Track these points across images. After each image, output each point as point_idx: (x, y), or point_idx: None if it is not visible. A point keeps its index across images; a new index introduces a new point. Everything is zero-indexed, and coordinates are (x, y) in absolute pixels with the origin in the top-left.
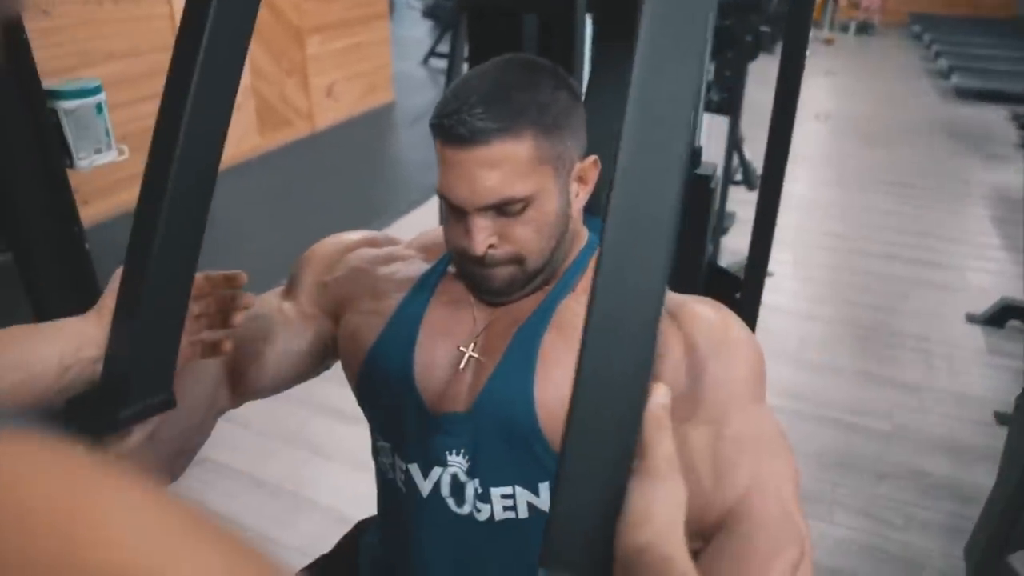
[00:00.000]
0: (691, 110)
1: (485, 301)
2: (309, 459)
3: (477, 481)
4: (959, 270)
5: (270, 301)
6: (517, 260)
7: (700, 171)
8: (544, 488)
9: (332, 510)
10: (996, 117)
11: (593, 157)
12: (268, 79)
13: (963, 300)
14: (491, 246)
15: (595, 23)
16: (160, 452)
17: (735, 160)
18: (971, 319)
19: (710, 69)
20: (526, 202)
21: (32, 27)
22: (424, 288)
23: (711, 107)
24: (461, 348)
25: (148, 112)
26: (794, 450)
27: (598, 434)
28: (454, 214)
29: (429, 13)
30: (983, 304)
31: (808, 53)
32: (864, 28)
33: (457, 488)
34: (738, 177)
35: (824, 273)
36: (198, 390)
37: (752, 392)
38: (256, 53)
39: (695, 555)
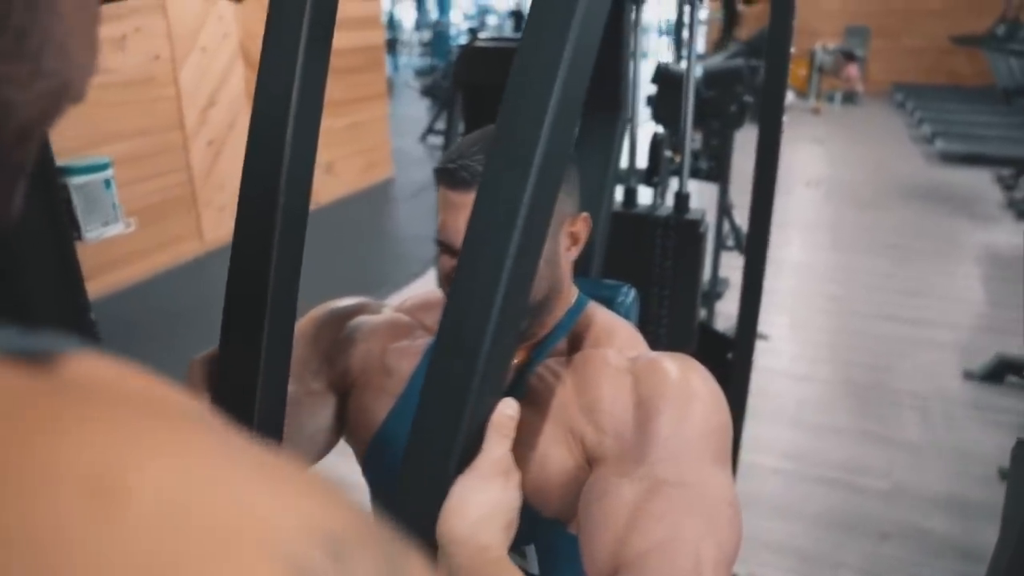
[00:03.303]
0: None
1: None
2: None
3: None
4: (954, 328)
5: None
6: None
7: (689, 215)
8: (530, 551)
9: None
10: (981, 179)
11: (584, 214)
12: None
13: (960, 357)
14: None
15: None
16: None
17: (726, 226)
18: (968, 375)
19: (697, 138)
20: None
21: None
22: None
23: (700, 175)
24: None
25: (155, 188)
26: (796, 511)
27: (431, 435)
28: (448, 256)
29: (427, 92)
30: (979, 361)
31: (797, 122)
32: (849, 98)
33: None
34: (730, 243)
35: (821, 335)
36: None
37: (704, 449)
38: None
39: None
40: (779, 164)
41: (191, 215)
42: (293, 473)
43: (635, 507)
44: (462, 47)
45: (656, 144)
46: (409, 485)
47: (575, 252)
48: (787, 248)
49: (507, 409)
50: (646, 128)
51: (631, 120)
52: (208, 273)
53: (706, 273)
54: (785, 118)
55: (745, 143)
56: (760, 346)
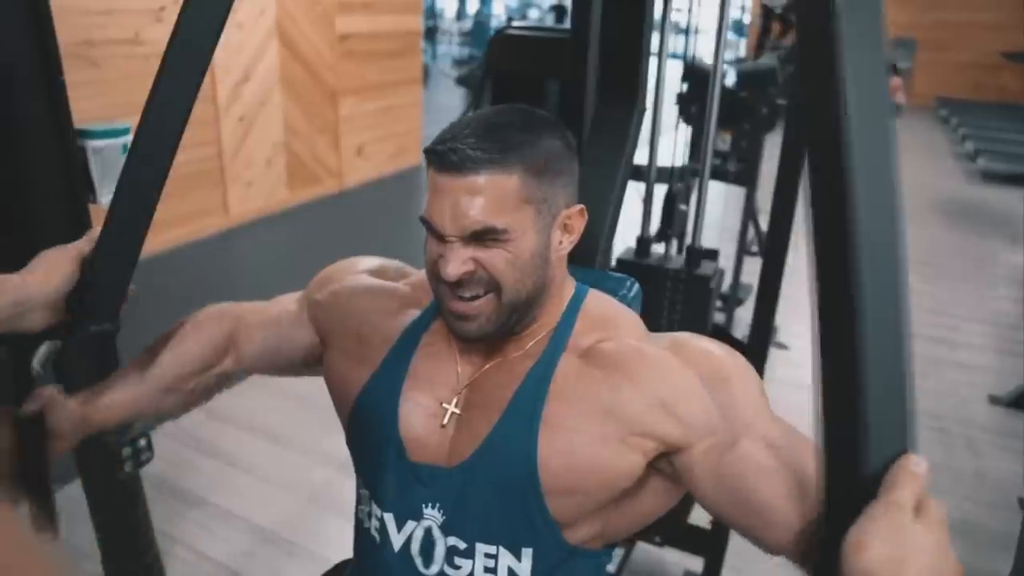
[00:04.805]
0: None
1: (468, 351)
2: (306, 508)
3: (455, 538)
4: (982, 351)
5: (287, 297)
6: (493, 287)
7: (699, 271)
8: (527, 554)
9: (325, 560)
10: (1021, 200)
11: (580, 206)
12: (300, 136)
13: (986, 381)
14: (468, 272)
15: (597, 89)
16: (153, 383)
17: (751, 231)
18: (994, 401)
19: (727, 140)
20: (504, 235)
21: (82, 78)
22: (410, 338)
23: (728, 178)
24: (444, 404)
25: (183, 160)
26: None
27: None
28: (434, 240)
29: (462, 81)
30: (1007, 386)
31: None
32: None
33: (427, 546)
34: (754, 248)
35: None
36: (196, 347)
37: (763, 395)
38: (291, 111)
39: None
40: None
41: (218, 189)
42: None
43: (773, 458)
44: (494, 34)
45: (671, 198)
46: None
47: (568, 245)
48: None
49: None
50: (665, 137)
51: (655, 124)
52: (232, 247)
53: (726, 281)
54: None
55: (776, 148)
56: (780, 356)
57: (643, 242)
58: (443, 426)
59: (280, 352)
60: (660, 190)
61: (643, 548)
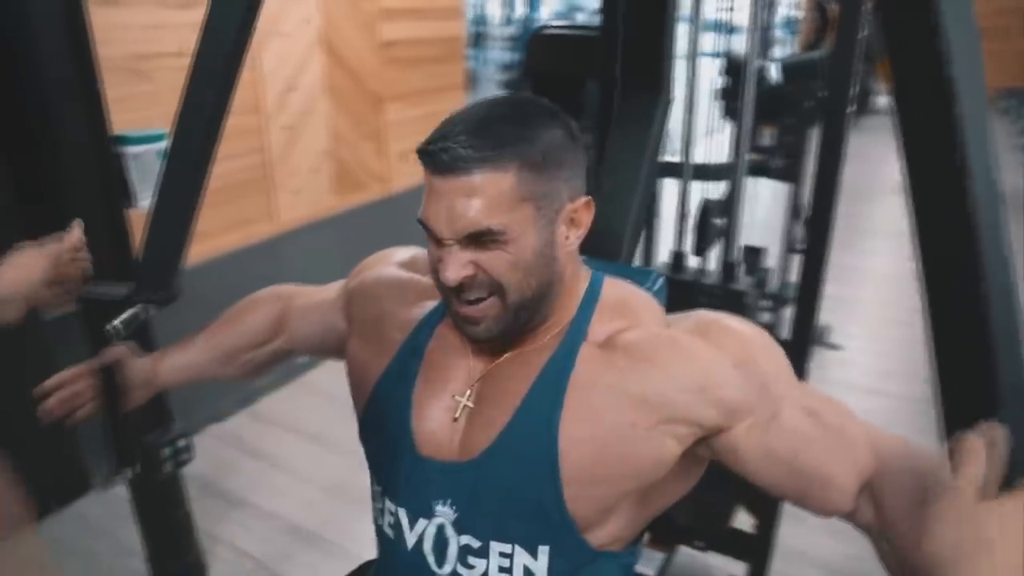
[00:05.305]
0: None
1: (481, 344)
2: (346, 509)
3: (468, 536)
4: None
5: (334, 284)
6: (496, 290)
7: (735, 286)
8: (543, 552)
9: (363, 560)
10: None
11: (586, 198)
12: (346, 143)
13: None
14: (469, 276)
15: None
16: (212, 353)
17: (797, 229)
18: None
19: (772, 135)
20: (502, 236)
21: (133, 91)
22: (424, 330)
23: (772, 174)
24: (456, 397)
25: (229, 169)
26: (851, 533)
27: None
28: (434, 243)
29: (506, 85)
30: None
31: (889, 126)
32: None
33: (440, 544)
34: (799, 246)
35: (898, 348)
36: (251, 324)
37: (792, 372)
38: (336, 119)
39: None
40: (843, 166)
41: (264, 197)
42: None
43: (814, 424)
44: (531, 34)
45: (706, 212)
46: None
47: (576, 239)
48: (872, 257)
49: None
50: (716, 136)
51: (690, 120)
52: (279, 253)
53: (775, 279)
54: (877, 120)
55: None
56: (833, 356)
57: (678, 256)
58: (455, 420)
59: (319, 337)
60: (700, 189)
61: (685, 552)
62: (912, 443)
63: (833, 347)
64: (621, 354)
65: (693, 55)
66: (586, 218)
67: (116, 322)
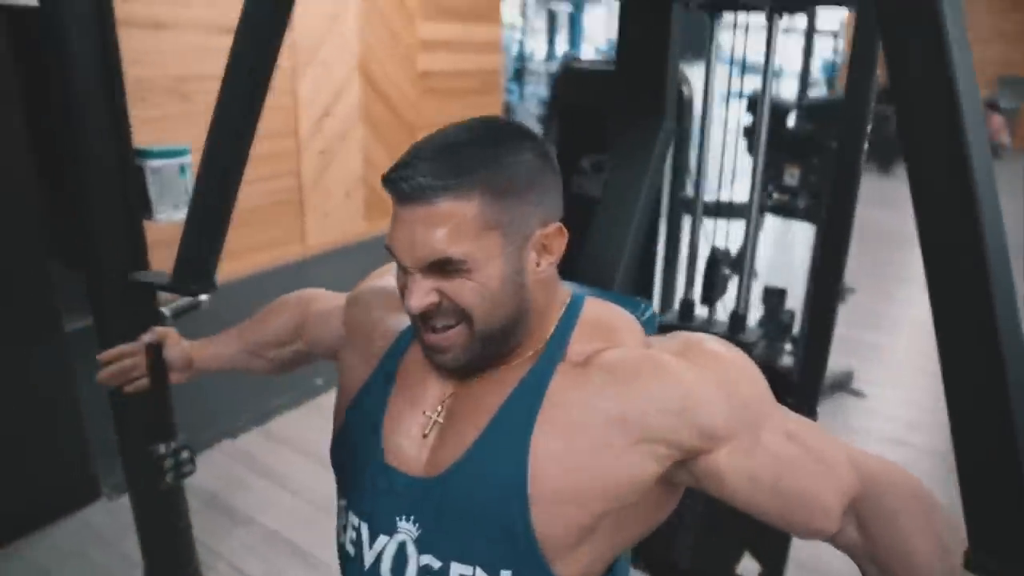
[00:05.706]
0: None
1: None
2: None
3: (429, 556)
4: None
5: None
6: (463, 318)
7: (742, 337)
8: None
9: None
10: None
11: (557, 225)
12: (380, 170)
13: None
14: (432, 304)
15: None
16: (243, 346)
17: None
18: None
19: (795, 175)
20: (463, 264)
21: (175, 111)
22: (401, 344)
23: (796, 214)
24: (427, 413)
25: (264, 190)
26: None
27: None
28: (400, 269)
29: (542, 120)
30: None
31: None
32: (993, 151)
33: (399, 563)
34: None
35: (923, 398)
36: (274, 325)
37: (771, 394)
38: (371, 146)
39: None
40: (855, 207)
41: (297, 220)
42: None
43: (796, 446)
44: (559, 70)
45: (714, 262)
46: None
47: (548, 266)
48: (908, 306)
49: None
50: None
51: (701, 156)
52: (309, 275)
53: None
54: None
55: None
56: (856, 405)
57: (686, 304)
58: (425, 436)
59: (327, 342)
60: (724, 231)
61: None
62: (898, 466)
63: (856, 394)
64: (600, 372)
65: (707, 90)
66: (558, 245)
67: (165, 309)
